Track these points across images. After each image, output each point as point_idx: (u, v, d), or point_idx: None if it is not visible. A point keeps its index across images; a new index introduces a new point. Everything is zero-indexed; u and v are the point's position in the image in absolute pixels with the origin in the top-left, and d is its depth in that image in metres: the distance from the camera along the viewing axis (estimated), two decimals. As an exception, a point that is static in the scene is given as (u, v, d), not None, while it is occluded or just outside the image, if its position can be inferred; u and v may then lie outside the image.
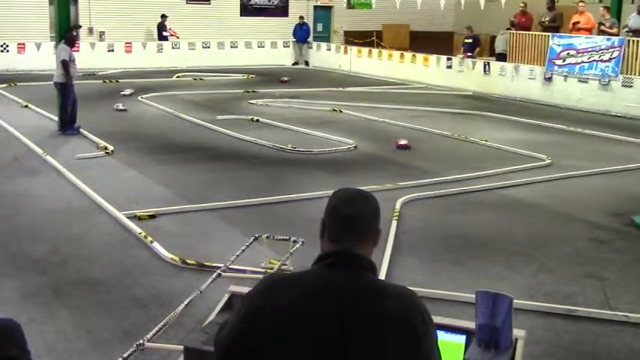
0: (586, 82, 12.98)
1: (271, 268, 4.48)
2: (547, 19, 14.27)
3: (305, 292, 1.52)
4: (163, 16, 17.92)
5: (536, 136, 10.19)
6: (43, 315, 4.08)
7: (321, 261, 1.57)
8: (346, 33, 20.22)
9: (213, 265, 4.72)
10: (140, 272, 4.76)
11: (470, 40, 15.84)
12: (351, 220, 1.56)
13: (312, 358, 1.46)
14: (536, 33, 14.27)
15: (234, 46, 18.88)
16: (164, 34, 18.12)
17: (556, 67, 13.45)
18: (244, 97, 13.24)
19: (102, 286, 4.51)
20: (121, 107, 11.48)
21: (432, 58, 16.11)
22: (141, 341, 3.62)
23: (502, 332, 2.16)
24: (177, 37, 18.16)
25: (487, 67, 14.78)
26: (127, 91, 13.07)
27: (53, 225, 5.69)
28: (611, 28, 13.13)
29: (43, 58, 15.37)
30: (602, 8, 13.52)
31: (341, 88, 14.82)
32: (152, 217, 5.87)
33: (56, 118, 9.68)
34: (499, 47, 15.27)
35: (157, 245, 5.13)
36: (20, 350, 1.85)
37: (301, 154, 8.52)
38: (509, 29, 14.95)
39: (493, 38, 16.47)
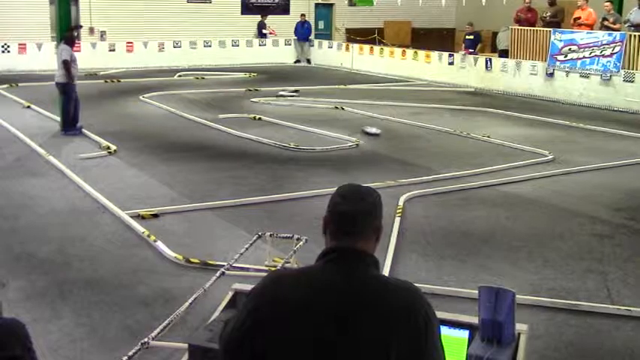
0: (588, 77, 12.95)
1: (275, 266, 4.49)
2: (548, 14, 14.23)
3: (308, 288, 1.53)
4: (263, 15, 18.81)
5: (539, 131, 10.18)
6: (47, 314, 4.10)
7: (323, 257, 1.58)
8: (348, 30, 20.20)
9: (217, 263, 4.74)
10: (144, 271, 4.78)
11: (471, 37, 15.81)
12: (349, 217, 1.57)
13: (315, 353, 1.47)
14: (538, 29, 14.24)
15: (235, 44, 18.88)
16: (263, 31, 18.93)
17: (558, 63, 13.42)
18: (246, 95, 13.25)
19: (106, 285, 4.53)
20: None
21: (434, 54, 16.09)
22: (145, 340, 3.64)
23: (505, 327, 2.17)
24: (276, 35, 18.95)
25: (489, 63, 14.77)
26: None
27: (57, 225, 5.71)
28: (614, 23, 13.08)
29: (44, 58, 15.39)
30: (607, 3, 13.45)
31: (343, 86, 14.82)
32: (155, 216, 5.88)
33: (58, 119, 9.70)
34: (501, 44, 15.23)
35: (160, 244, 5.15)
36: (25, 350, 1.87)
37: (304, 152, 8.53)
38: (507, 28, 14.89)
39: (495, 34, 16.44)
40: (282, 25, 19.54)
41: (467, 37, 15.94)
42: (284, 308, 1.50)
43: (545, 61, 13.61)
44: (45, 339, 3.72)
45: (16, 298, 4.32)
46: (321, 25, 20.63)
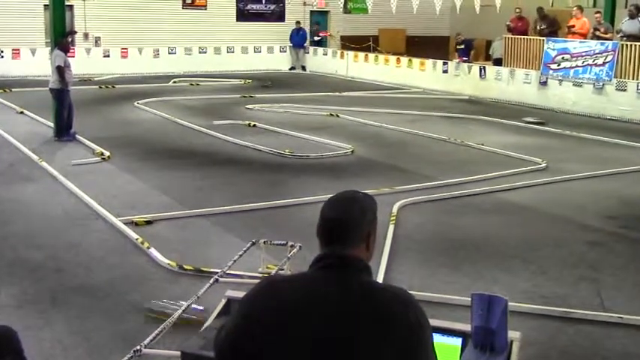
0: (580, 86, 13.04)
1: (269, 273, 4.48)
2: (543, 26, 14.32)
3: (300, 294, 1.53)
4: (317, 23, 19.83)
5: (532, 139, 10.23)
6: (39, 322, 4.08)
7: (315, 264, 1.59)
8: (343, 38, 20.27)
9: (211, 270, 4.73)
10: (137, 278, 4.76)
11: (462, 46, 16.06)
12: (333, 225, 1.58)
13: (308, 358, 1.47)
14: (532, 37, 14.35)
15: (230, 51, 18.90)
16: (315, 39, 19.84)
17: (551, 72, 13.52)
18: (241, 102, 13.26)
19: (99, 292, 4.51)
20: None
21: (429, 62, 16.17)
22: (138, 347, 3.62)
23: (497, 334, 2.18)
24: (330, 35, 19.99)
25: (483, 71, 14.85)
26: None
27: (49, 231, 5.68)
28: (605, 33, 13.20)
29: (38, 63, 15.36)
30: (597, 14, 13.62)
31: (338, 93, 14.85)
32: (149, 222, 5.87)
33: (52, 124, 9.68)
34: (496, 53, 15.36)
35: (153, 251, 5.14)
36: (17, 357, 1.86)
37: (298, 158, 8.54)
38: (502, 38, 15.02)
39: (488, 43, 16.56)
40: (277, 32, 19.60)
41: (458, 47, 16.20)
42: (276, 314, 1.51)
43: (539, 69, 13.70)
44: (37, 347, 3.69)
45: (8, 305, 4.30)
46: (316, 31, 20.71)
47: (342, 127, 10.90)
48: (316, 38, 19.79)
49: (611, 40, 12.95)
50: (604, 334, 4.09)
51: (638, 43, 12.27)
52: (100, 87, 14.88)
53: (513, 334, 2.26)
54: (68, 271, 4.85)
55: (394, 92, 15.59)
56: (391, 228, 5.73)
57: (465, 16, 17.58)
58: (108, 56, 17.39)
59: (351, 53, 18.52)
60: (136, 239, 5.39)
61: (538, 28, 14.38)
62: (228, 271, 4.58)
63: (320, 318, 1.48)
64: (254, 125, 10.65)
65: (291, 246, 4.71)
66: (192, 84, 15.88)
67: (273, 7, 19.82)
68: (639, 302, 4.54)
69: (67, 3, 10.66)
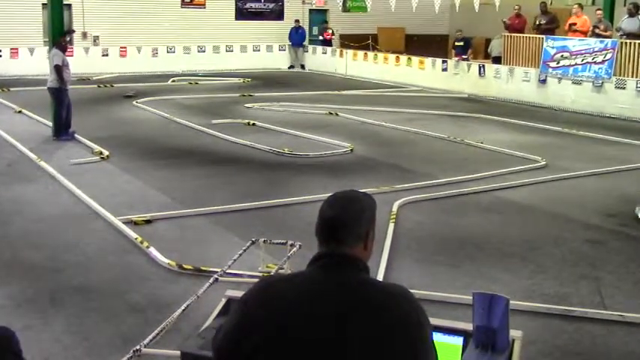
0: (580, 84, 13.03)
1: (269, 272, 4.47)
2: (543, 21, 14.32)
3: (298, 293, 1.53)
4: (325, 22, 19.92)
5: (531, 137, 10.22)
6: (39, 322, 4.07)
7: (313, 263, 1.58)
8: (342, 36, 20.26)
9: (210, 269, 4.71)
10: (136, 278, 4.75)
11: (461, 43, 16.06)
12: (332, 224, 1.57)
13: (306, 357, 1.46)
14: (531, 35, 14.34)
15: (229, 49, 18.88)
16: (320, 38, 19.84)
17: (550, 70, 13.50)
18: (240, 100, 13.24)
19: (98, 292, 4.50)
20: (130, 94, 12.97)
21: (428, 60, 16.16)
22: (137, 347, 3.61)
23: (499, 333, 2.17)
24: (332, 37, 19.81)
25: (482, 69, 14.84)
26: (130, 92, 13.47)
27: (48, 231, 5.66)
28: (605, 30, 13.19)
29: (37, 62, 15.33)
30: (598, 11, 13.61)
31: (337, 92, 14.84)
32: (148, 222, 5.85)
33: (50, 124, 9.65)
34: (494, 51, 15.36)
35: (153, 250, 5.12)
36: (15, 358, 1.85)
37: (298, 157, 8.52)
38: (501, 36, 15.03)
39: (487, 41, 16.55)
40: (276, 30, 19.57)
41: (456, 43, 16.20)
42: (275, 314, 1.50)
43: (538, 67, 13.68)
44: (36, 347, 3.68)
45: (6, 305, 4.28)
46: (315, 30, 20.67)
47: (342, 125, 10.89)
48: (320, 38, 19.76)
49: (611, 38, 12.94)
50: (605, 332, 4.09)
51: (637, 41, 12.26)
52: (99, 86, 14.85)
53: (515, 333, 2.25)
54: (67, 271, 4.84)
55: (393, 91, 15.58)
56: (391, 226, 5.72)
57: (464, 15, 17.57)
58: (106, 55, 17.36)
59: (350, 52, 18.50)
60: (135, 239, 5.37)
61: (537, 22, 14.38)
62: (227, 271, 4.57)
63: (318, 317, 1.47)
64: (253, 124, 10.64)
65: (291, 245, 4.70)
66: (190, 83, 15.86)
67: (272, 5, 19.79)
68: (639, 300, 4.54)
69: (65, 2, 10.63)
